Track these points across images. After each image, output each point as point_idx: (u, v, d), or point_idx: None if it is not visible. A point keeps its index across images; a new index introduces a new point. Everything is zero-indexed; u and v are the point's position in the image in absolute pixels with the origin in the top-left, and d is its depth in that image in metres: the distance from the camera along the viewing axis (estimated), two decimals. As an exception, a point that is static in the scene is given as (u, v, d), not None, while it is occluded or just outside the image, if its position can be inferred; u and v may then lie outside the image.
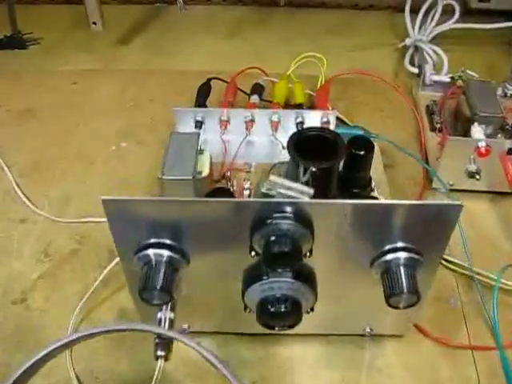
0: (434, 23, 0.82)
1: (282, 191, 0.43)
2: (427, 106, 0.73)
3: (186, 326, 0.52)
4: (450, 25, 0.83)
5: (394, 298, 0.43)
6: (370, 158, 0.57)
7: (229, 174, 0.62)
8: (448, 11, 0.86)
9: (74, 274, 0.58)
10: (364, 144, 0.56)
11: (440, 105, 0.72)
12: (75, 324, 0.53)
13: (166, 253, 0.43)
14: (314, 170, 0.47)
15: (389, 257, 0.44)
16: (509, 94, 0.73)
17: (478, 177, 0.63)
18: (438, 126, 0.69)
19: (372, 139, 0.64)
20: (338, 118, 0.71)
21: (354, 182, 0.58)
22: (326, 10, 0.95)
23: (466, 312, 0.56)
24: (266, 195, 0.44)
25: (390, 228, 0.42)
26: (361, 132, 0.67)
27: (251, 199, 0.44)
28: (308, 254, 0.43)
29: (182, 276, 0.44)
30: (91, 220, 0.62)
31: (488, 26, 0.84)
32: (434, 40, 0.85)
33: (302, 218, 0.41)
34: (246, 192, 0.60)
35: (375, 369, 0.51)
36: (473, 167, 0.63)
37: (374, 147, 0.56)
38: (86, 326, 0.53)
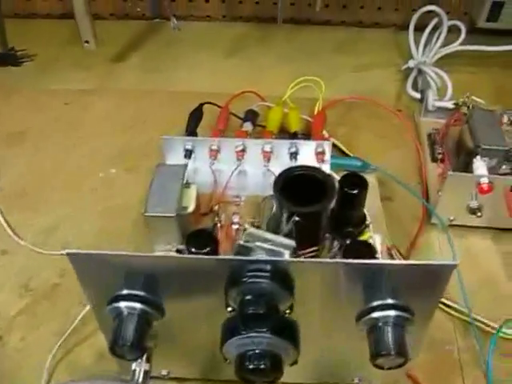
0: (438, 44, 0.79)
1: (261, 244, 0.40)
2: (429, 135, 0.69)
3: (165, 372, 0.50)
4: (455, 46, 0.80)
5: (379, 358, 0.40)
6: (363, 196, 0.54)
7: (217, 207, 0.59)
8: (455, 30, 0.82)
9: (54, 310, 0.56)
10: (357, 181, 0.53)
11: (442, 133, 0.69)
12: (52, 365, 0.51)
13: (138, 306, 0.41)
14: (296, 219, 0.44)
15: (376, 314, 0.41)
16: (512, 123, 0.70)
17: (479, 214, 0.60)
18: (440, 156, 0.66)
19: (370, 171, 0.62)
20: (335, 147, 0.68)
21: (347, 220, 0.56)
22: (330, 27, 0.92)
23: (463, 360, 0.53)
24: (243, 247, 0.41)
25: (377, 285, 0.40)
26: (359, 163, 0.64)
27: (223, 257, 0.41)
28: (288, 310, 0.40)
29: (157, 327, 0.42)
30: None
31: (495, 49, 0.80)
32: (440, 61, 0.82)
33: (279, 276, 0.38)
34: (235, 227, 0.57)
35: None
36: (474, 203, 0.60)
37: (367, 184, 0.53)
38: (64, 368, 0.51)
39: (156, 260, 0.40)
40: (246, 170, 0.63)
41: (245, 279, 0.38)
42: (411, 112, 0.76)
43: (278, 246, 0.40)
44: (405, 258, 0.59)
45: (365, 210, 0.57)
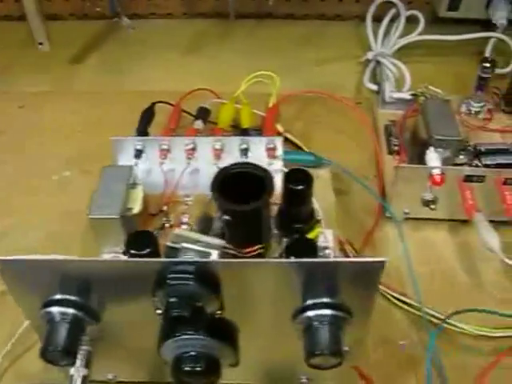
0: (397, 35, 0.78)
1: (188, 245, 0.39)
2: (385, 127, 0.68)
3: (110, 376, 0.49)
4: (414, 37, 0.79)
5: (313, 358, 0.39)
6: (309, 192, 0.53)
7: (166, 207, 0.58)
8: (416, 20, 0.81)
9: (1, 318, 0.54)
10: (302, 177, 0.52)
11: (400, 125, 0.68)
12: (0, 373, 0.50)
13: (71, 311, 0.40)
14: (226, 218, 0.43)
15: (310, 313, 0.40)
16: (473, 112, 0.69)
17: (432, 206, 0.59)
18: (396, 148, 0.65)
19: (324, 166, 0.61)
20: (291, 142, 0.67)
21: (295, 216, 0.54)
22: (292, 21, 0.91)
23: (417, 355, 0.52)
24: (171, 249, 0.40)
25: (310, 283, 0.39)
26: (311, 158, 0.63)
27: (145, 260, 0.40)
28: (218, 311, 0.40)
29: (98, 330, 0.42)
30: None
31: (453, 38, 0.79)
32: (401, 52, 0.81)
33: (204, 277, 0.37)
34: (184, 227, 0.57)
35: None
36: (428, 195, 0.59)
37: (312, 180, 0.52)
38: (11, 376, 0.51)
39: (86, 264, 0.39)
40: (197, 169, 0.62)
41: (169, 281, 0.37)
42: (371, 104, 0.74)
43: (205, 247, 0.39)
44: (358, 253, 0.58)
45: (316, 205, 0.56)
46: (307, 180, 0.52)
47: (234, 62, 0.81)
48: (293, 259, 0.39)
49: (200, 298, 0.38)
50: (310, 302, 0.40)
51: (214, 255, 0.40)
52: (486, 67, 0.66)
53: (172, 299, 0.37)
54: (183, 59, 0.85)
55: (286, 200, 0.53)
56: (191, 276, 0.37)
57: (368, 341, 0.52)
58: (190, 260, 0.37)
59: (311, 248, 0.47)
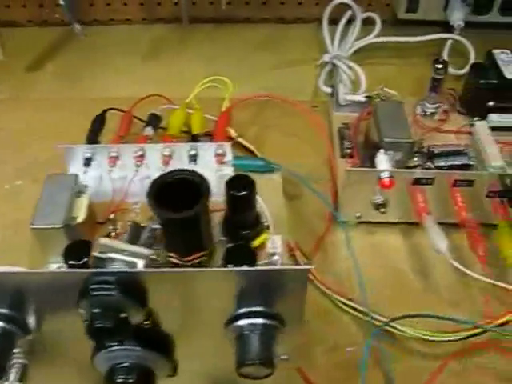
0: (353, 37, 0.77)
1: (114, 255, 0.38)
2: (339, 130, 0.67)
3: (55, 388, 0.48)
4: (370, 39, 0.78)
5: (243, 367, 0.39)
6: (252, 197, 0.52)
7: (113, 215, 0.57)
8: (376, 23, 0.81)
9: None
10: (244, 183, 0.51)
11: (354, 128, 0.68)
12: None
13: None
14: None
15: (242, 322, 0.39)
16: (428, 113, 0.68)
17: (383, 209, 0.58)
18: (348, 151, 0.64)
19: (275, 170, 0.61)
20: (244, 147, 0.67)
21: (241, 222, 0.54)
22: (252, 24, 0.90)
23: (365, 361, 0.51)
24: (98, 259, 0.39)
25: (239, 292, 0.38)
26: (261, 163, 0.63)
27: (64, 270, 0.39)
28: (146, 322, 0.39)
29: (29, 344, 0.41)
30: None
31: (409, 39, 0.79)
32: (361, 55, 0.81)
33: (128, 287, 0.37)
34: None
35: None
36: (379, 199, 0.58)
37: (254, 186, 0.51)
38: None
39: (12, 276, 0.38)
40: (146, 176, 0.61)
41: (92, 292, 0.36)
42: (327, 108, 0.74)
43: (132, 256, 0.38)
44: (308, 258, 0.57)
45: (265, 211, 0.56)
46: (249, 186, 0.51)
47: (192, 68, 0.80)
48: (213, 268, 0.38)
49: (124, 308, 0.37)
50: (241, 310, 0.39)
51: (140, 265, 0.39)
52: (438, 68, 0.65)
53: (95, 310, 0.36)
54: (141, 65, 0.84)
55: (229, 207, 0.52)
56: (113, 286, 0.36)
57: (315, 347, 0.52)
58: (110, 270, 0.37)
59: (249, 255, 0.47)
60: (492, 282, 0.52)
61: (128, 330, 0.37)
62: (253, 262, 0.46)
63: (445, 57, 0.80)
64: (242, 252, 0.47)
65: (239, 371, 0.39)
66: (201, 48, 0.86)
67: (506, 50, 0.68)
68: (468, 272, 0.52)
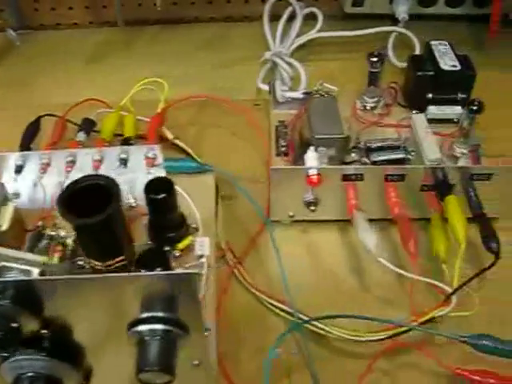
0: (294, 33, 0.76)
1: (8, 264, 0.37)
2: (276, 128, 0.66)
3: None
4: (312, 34, 0.77)
5: (142, 373, 0.38)
6: (171, 200, 0.51)
7: (41, 222, 0.56)
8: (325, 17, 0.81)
9: None
10: (162, 186, 0.51)
11: (292, 125, 0.66)
12: None
13: None
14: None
15: (141, 327, 0.38)
16: (368, 107, 0.67)
17: (312, 208, 0.57)
18: (283, 150, 0.63)
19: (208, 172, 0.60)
20: (182, 149, 0.66)
21: (164, 225, 0.53)
22: (198, 24, 0.89)
23: (293, 363, 0.50)
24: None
25: (138, 298, 0.37)
26: (193, 164, 0.62)
27: None
28: (47, 330, 0.38)
29: None
30: None
31: (350, 33, 0.79)
32: (306, 51, 0.80)
33: (20, 296, 0.36)
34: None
35: None
36: (309, 197, 0.57)
37: (173, 188, 0.51)
38: None
39: None
40: (76, 182, 0.60)
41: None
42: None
43: (27, 265, 0.37)
44: (239, 260, 0.56)
45: (195, 212, 0.55)
46: (168, 188, 0.50)
47: (135, 70, 0.79)
48: (105, 274, 0.37)
49: (15, 317, 0.36)
50: (142, 315, 0.38)
51: (35, 273, 0.38)
52: (373, 62, 0.64)
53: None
54: (85, 69, 0.83)
55: (150, 210, 0.52)
56: (2, 296, 0.35)
57: (242, 350, 0.51)
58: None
59: (161, 258, 0.46)
60: (420, 278, 0.51)
61: (18, 340, 0.36)
62: (166, 265, 0.45)
63: (389, 50, 0.79)
64: (155, 256, 0.46)
65: (138, 377, 0.38)
66: (146, 50, 0.85)
67: (443, 41, 0.67)
68: (395, 269, 0.51)
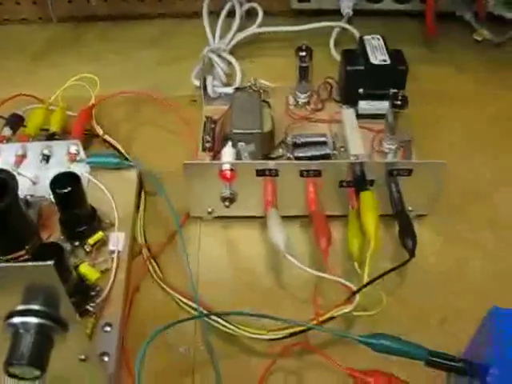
0: (234, 29, 0.76)
1: None
2: (204, 123, 0.65)
3: None
4: (252, 29, 0.77)
5: (10, 367, 0.37)
6: (77, 194, 0.51)
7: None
8: (272, 13, 0.81)
9: None
10: (68, 180, 0.50)
11: (220, 120, 0.66)
12: None
13: None
14: None
15: (15, 320, 0.38)
16: (301, 103, 0.67)
17: (227, 203, 0.56)
18: (208, 145, 0.63)
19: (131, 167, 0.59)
20: (111, 145, 0.65)
21: (74, 220, 0.53)
22: (148, 20, 0.89)
23: (198, 360, 0.50)
24: None
25: (6, 289, 0.36)
26: (115, 160, 0.61)
27: None
28: None
29: None
30: None
31: (289, 29, 0.78)
32: (250, 46, 0.81)
33: None
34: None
35: None
36: (226, 192, 0.56)
37: (80, 182, 0.50)
38: None
39: None
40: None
41: None
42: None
43: None
44: (155, 256, 0.56)
45: (113, 208, 0.55)
46: (73, 182, 0.50)
47: (78, 67, 0.77)
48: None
49: None
50: (18, 308, 0.38)
51: None
52: (302, 56, 0.64)
53: None
54: (30, 65, 0.82)
55: (57, 204, 0.51)
56: None
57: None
58: None
59: (56, 252, 0.46)
60: (326, 276, 0.50)
61: None
62: (59, 260, 0.45)
63: (331, 45, 0.78)
64: (49, 250, 0.46)
65: (6, 370, 0.37)
66: (92, 47, 0.85)
67: (376, 36, 0.66)
68: (302, 266, 0.50)
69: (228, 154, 0.56)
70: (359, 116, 0.64)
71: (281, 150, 0.61)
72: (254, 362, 0.49)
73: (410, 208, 0.58)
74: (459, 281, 0.55)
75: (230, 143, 0.57)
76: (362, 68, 0.63)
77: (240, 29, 0.78)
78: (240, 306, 0.52)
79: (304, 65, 0.64)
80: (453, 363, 0.41)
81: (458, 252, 0.57)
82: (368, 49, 0.64)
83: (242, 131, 0.57)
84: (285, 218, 0.55)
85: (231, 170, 0.54)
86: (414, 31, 0.84)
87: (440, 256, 0.57)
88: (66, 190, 0.50)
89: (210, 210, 0.58)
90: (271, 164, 0.54)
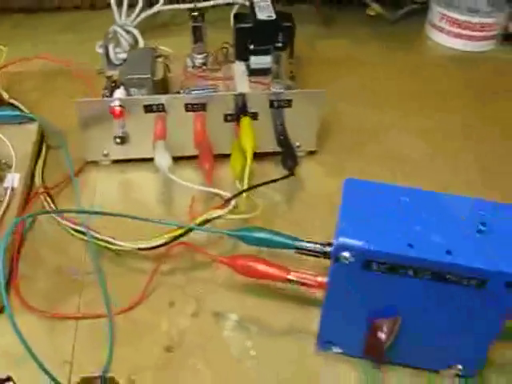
0: (139, 7, 0.80)
1: None
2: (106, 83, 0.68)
3: None
4: (156, 8, 0.81)
5: None
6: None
7: None
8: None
9: None
10: None
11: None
12: None
13: None
14: None
15: None
16: (197, 63, 0.70)
17: (118, 140, 0.59)
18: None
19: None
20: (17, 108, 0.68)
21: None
22: (62, 12, 0.93)
23: (87, 282, 0.51)
24: None
25: None
26: (15, 112, 0.64)
27: None
28: None
29: None
30: None
31: (188, 6, 0.81)
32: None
33: None
34: None
35: None
36: (119, 132, 0.59)
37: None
38: None
39: None
40: None
41: None
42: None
43: None
44: (53, 199, 0.58)
45: (11, 152, 0.57)
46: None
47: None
48: None
49: None
50: None
51: None
52: (194, 16, 0.67)
53: None
54: None
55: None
56: None
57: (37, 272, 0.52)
58: None
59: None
60: (202, 188, 0.54)
61: None
62: None
63: (232, 18, 0.82)
64: None
65: None
66: (4, 32, 0.89)
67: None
68: (179, 181, 0.53)
69: (119, 93, 0.59)
70: (252, 72, 0.67)
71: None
72: (141, 277, 0.51)
73: (297, 144, 0.62)
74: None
75: (122, 87, 0.60)
76: (250, 25, 0.68)
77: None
78: (130, 234, 0.53)
79: (196, 24, 0.68)
80: (319, 245, 0.43)
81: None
82: (257, 10, 0.69)
83: (132, 76, 0.60)
84: (178, 159, 0.59)
85: (120, 106, 0.57)
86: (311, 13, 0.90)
87: (323, 184, 0.60)
88: None
89: (105, 152, 0.61)
90: (157, 98, 0.58)
